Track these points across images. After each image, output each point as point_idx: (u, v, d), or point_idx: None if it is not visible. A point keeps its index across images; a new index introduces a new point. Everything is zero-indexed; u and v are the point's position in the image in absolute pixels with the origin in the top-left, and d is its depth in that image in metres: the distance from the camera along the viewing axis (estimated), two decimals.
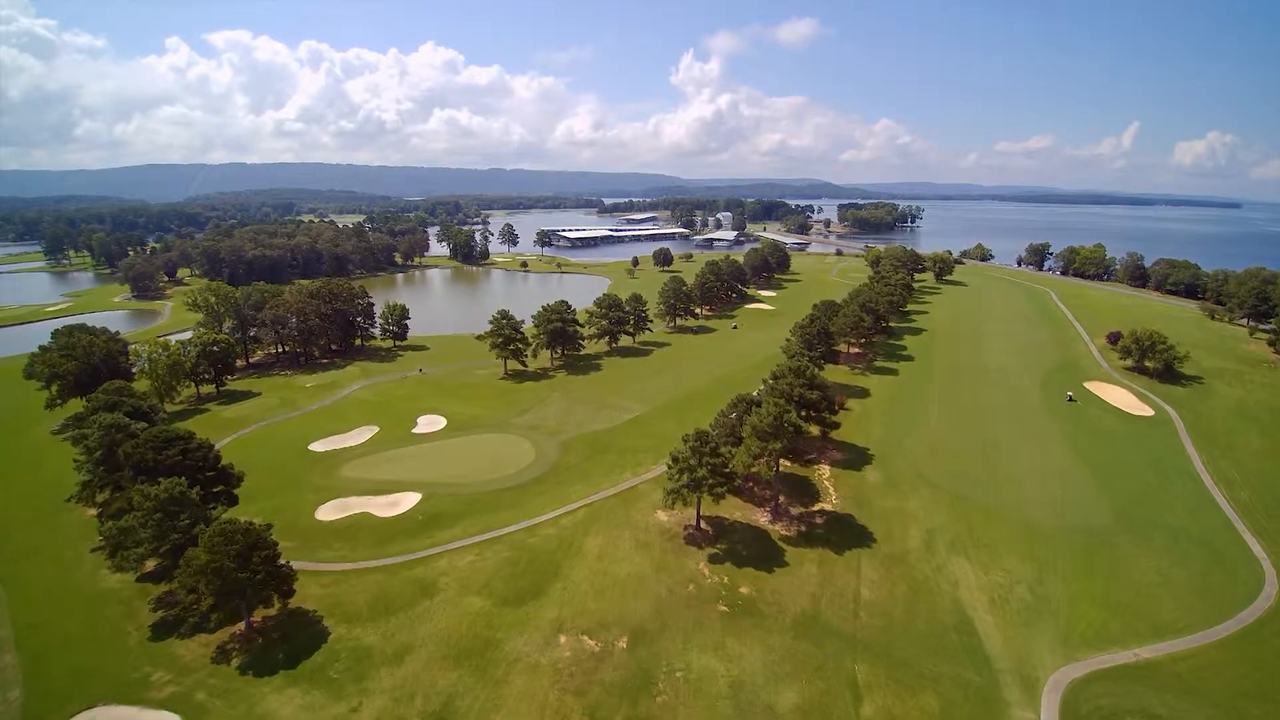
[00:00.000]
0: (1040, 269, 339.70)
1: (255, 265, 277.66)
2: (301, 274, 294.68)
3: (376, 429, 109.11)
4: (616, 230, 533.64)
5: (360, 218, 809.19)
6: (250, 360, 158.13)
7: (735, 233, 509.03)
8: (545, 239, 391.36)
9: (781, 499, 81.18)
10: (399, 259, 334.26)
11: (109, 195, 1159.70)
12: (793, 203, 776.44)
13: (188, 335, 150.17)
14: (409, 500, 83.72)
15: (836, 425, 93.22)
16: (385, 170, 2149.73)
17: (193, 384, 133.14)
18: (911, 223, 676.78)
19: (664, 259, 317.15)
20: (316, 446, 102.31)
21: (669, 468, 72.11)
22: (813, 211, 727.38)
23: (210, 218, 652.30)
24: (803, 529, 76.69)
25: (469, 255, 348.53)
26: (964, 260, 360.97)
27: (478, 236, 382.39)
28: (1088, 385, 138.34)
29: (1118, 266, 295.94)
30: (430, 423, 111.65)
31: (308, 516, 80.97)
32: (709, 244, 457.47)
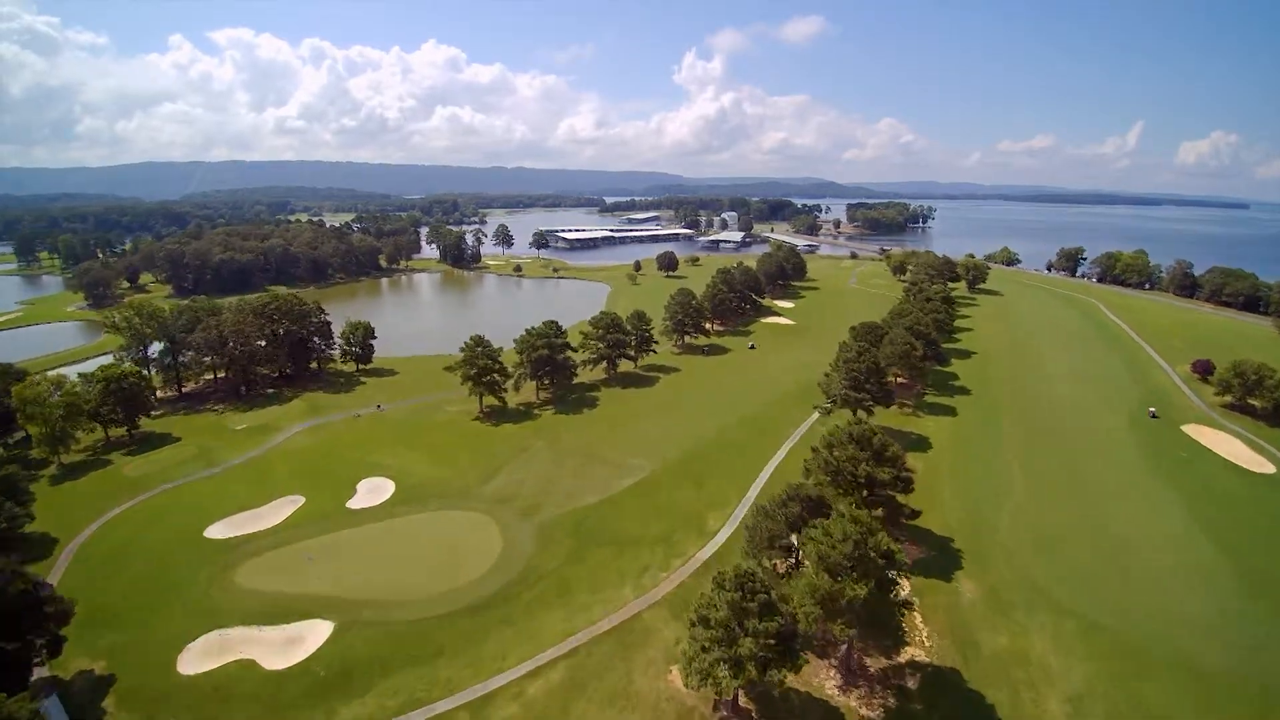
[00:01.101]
0: (1073, 275, 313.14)
1: (223, 270, 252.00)
2: (275, 279, 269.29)
3: (301, 501, 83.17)
4: (617, 231, 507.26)
5: (353, 216, 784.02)
6: (183, 389, 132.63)
7: (742, 234, 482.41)
8: (541, 240, 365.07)
9: (853, 639, 55.27)
10: (383, 262, 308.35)
11: (105, 193, 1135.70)
12: (799, 202, 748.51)
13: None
14: (315, 635, 58.01)
15: (917, 514, 67.45)
16: (386, 168, 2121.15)
17: (100, 426, 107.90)
18: (922, 223, 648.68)
19: (668, 263, 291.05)
20: (216, 530, 76.56)
21: (691, 626, 46.16)
22: (820, 211, 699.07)
23: (199, 216, 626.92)
24: (890, 702, 50.85)
25: (459, 258, 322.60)
26: (989, 265, 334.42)
27: (469, 238, 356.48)
28: (1187, 429, 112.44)
29: (1163, 274, 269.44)
30: (373, 490, 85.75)
31: (166, 666, 55.32)
32: (715, 246, 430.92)
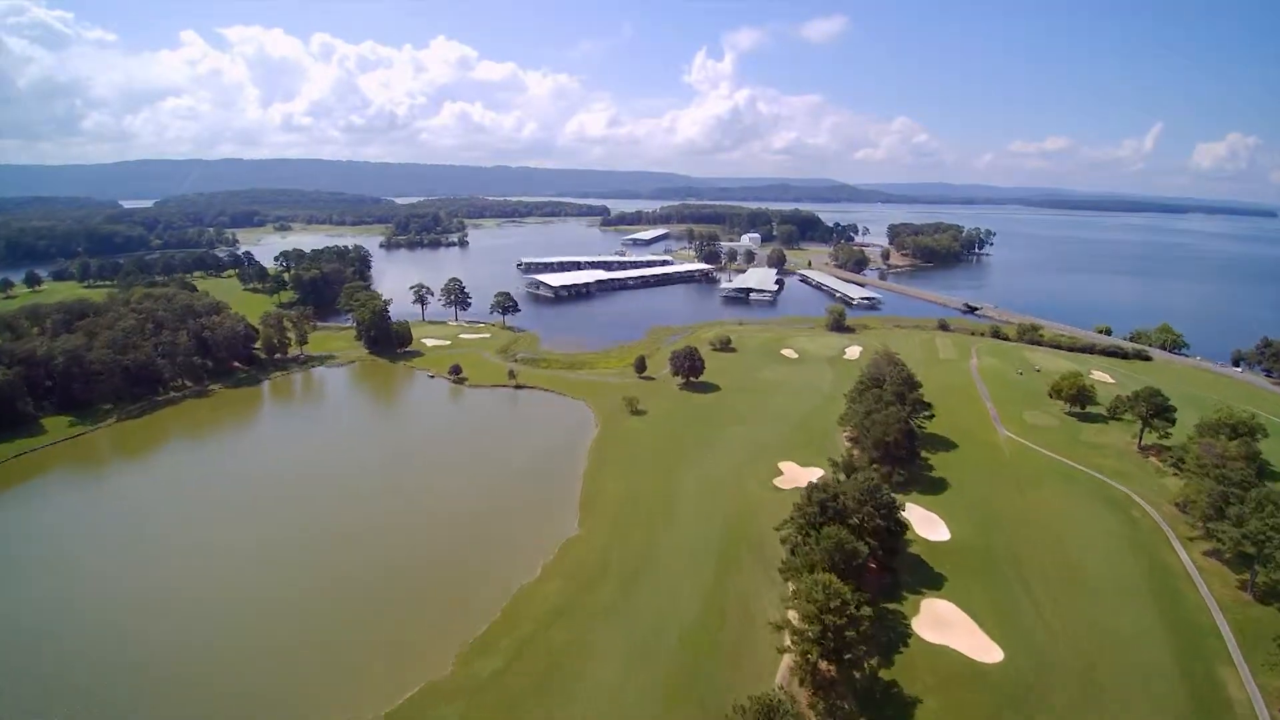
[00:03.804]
0: None
1: None
2: (62, 404, 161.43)
3: None
4: (618, 266, 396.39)
5: (327, 228, 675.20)
6: None
7: (775, 273, 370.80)
8: (507, 302, 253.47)
9: None
10: (260, 352, 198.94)
11: (84, 196, 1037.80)
12: (829, 220, 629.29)
13: None
14: None
15: None
16: (388, 167, 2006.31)
17: None
18: (979, 249, 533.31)
19: (689, 366, 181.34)
20: None
21: None
22: (856, 233, 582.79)
23: (136, 236, 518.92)
24: None
25: (381, 339, 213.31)
26: (1148, 353, 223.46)
27: (408, 295, 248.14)
28: None
29: None
30: None
31: None
32: (743, 298, 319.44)
